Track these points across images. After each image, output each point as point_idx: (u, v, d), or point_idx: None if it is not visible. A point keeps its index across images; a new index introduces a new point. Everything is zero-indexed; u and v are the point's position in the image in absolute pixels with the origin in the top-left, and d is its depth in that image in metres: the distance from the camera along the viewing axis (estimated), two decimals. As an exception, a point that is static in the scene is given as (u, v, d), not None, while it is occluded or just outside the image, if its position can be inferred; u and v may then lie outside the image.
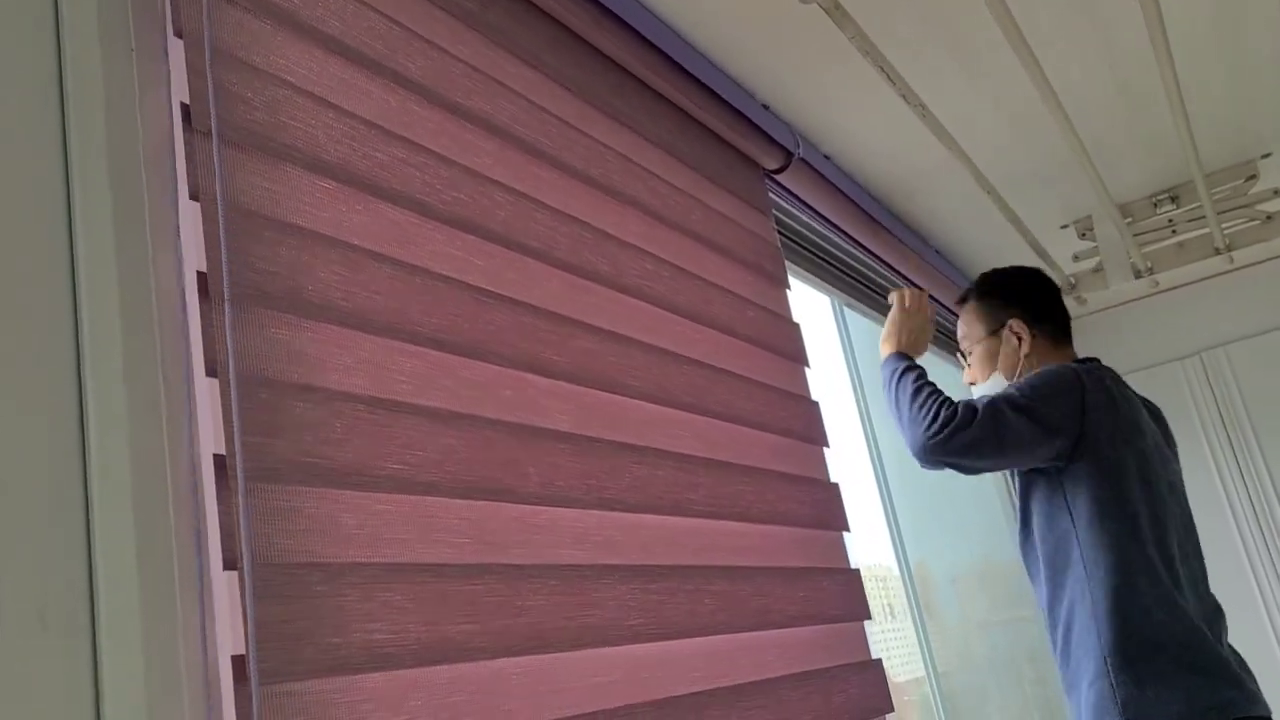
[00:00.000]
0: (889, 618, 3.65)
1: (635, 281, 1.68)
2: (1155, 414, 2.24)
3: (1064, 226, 3.27)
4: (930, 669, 3.23)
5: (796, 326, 2.25)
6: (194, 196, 0.99)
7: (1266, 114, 2.80)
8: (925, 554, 3.78)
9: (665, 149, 1.93)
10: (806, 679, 1.78)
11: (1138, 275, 3.26)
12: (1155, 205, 3.15)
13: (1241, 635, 2.15)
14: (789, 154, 2.31)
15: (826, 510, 2.07)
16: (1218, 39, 2.41)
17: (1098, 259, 3.33)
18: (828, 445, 2.20)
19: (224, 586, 0.90)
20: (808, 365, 2.25)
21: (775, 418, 2.00)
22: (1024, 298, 2.24)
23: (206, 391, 0.95)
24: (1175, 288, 4.18)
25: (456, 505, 1.18)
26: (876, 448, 3.57)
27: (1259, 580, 3.93)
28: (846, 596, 2.01)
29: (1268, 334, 4.03)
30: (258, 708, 0.88)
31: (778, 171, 2.33)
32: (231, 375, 0.94)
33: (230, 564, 0.90)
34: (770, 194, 2.40)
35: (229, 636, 0.89)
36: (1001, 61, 2.31)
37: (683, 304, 1.80)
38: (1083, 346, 4.25)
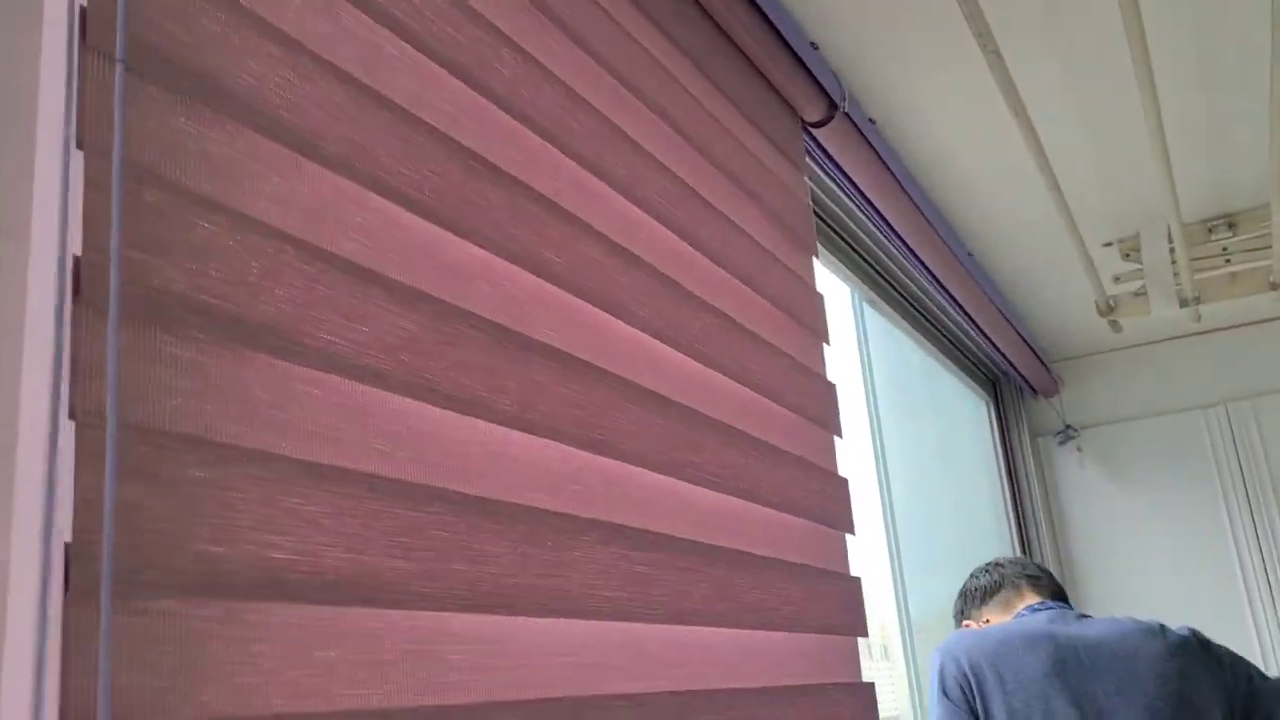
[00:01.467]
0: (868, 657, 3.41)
1: (653, 198, 1.41)
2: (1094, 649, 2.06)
3: (1107, 244, 3.01)
4: (917, 710, 2.97)
5: (820, 297, 1.99)
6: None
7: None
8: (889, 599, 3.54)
9: (697, 63, 1.66)
10: (802, 694, 1.51)
11: (1184, 304, 3.00)
12: (1210, 231, 2.89)
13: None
14: (833, 107, 2.04)
15: (834, 506, 1.80)
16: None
17: (1140, 283, 3.07)
18: (840, 434, 1.94)
19: (48, 445, 0.62)
20: (828, 342, 1.98)
21: (791, 392, 1.73)
22: (963, 601, 2.37)
23: (64, 177, 0.67)
24: (1208, 331, 3.93)
25: (408, 406, 0.90)
26: (885, 472, 3.32)
27: (1264, 648, 3.67)
28: (846, 606, 1.74)
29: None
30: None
31: (817, 125, 2.06)
32: (119, 160, 0.66)
33: (74, 413, 0.62)
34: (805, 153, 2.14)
35: (45, 517, 0.61)
36: (1103, 42, 2.07)
37: (703, 238, 1.53)
38: (1104, 383, 4.01)
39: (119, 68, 0.69)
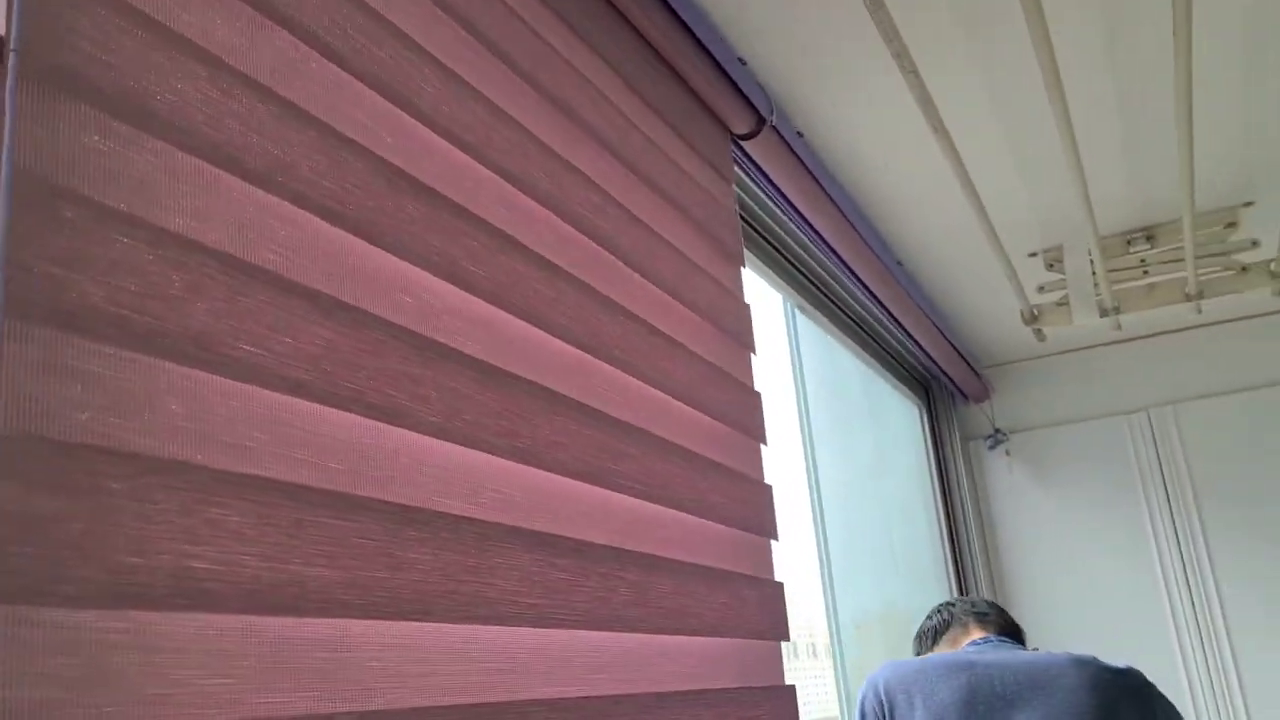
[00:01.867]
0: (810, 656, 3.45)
1: (578, 211, 1.43)
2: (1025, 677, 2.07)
3: (1032, 255, 3.08)
4: (846, 711, 3.01)
5: (746, 307, 2.02)
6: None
7: (1262, 161, 2.64)
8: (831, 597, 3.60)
9: (625, 79, 1.69)
10: (724, 698, 1.54)
11: (1103, 313, 3.08)
12: (1129, 243, 2.98)
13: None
14: (760, 120, 2.07)
15: (757, 512, 1.84)
16: (1244, 74, 2.25)
17: (1063, 292, 3.14)
18: (765, 442, 1.97)
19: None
20: (754, 351, 2.02)
21: (715, 400, 1.76)
22: (918, 643, 2.45)
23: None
24: (1133, 339, 4.03)
25: (330, 416, 0.92)
26: (815, 475, 3.36)
27: (1182, 646, 3.76)
28: (768, 612, 1.78)
29: (1220, 396, 3.89)
30: (-5, 634, 0.61)
31: (745, 138, 2.10)
32: (7, 173, 0.67)
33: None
34: (734, 166, 2.17)
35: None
36: (1018, 60, 2.13)
37: (627, 250, 1.56)
38: (1033, 389, 4.10)
39: (10, 74, 0.70)
